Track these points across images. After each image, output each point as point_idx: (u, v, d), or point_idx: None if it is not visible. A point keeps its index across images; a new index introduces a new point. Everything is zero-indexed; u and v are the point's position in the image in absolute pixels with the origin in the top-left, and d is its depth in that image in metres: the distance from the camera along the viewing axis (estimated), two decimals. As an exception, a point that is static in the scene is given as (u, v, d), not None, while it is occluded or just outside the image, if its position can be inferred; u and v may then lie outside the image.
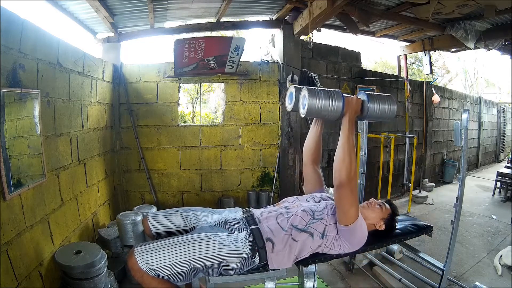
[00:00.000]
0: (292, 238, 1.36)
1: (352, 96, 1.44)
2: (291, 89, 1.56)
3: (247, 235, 1.35)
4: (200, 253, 1.24)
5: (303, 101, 1.41)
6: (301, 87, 1.51)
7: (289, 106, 1.57)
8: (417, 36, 4.65)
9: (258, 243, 1.33)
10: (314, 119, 1.68)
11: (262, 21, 3.86)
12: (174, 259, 1.21)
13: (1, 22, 1.60)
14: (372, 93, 1.48)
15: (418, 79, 7.91)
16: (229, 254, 1.28)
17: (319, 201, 1.56)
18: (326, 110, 1.37)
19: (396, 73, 5.58)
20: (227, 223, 1.46)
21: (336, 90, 1.41)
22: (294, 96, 1.53)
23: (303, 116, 1.43)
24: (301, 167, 3.90)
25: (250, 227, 1.39)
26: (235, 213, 1.54)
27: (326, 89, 1.41)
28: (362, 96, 1.45)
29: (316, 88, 1.42)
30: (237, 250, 1.30)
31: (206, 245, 1.26)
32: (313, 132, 1.67)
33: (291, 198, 1.64)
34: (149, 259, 1.20)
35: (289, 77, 3.61)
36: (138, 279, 1.22)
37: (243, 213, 1.52)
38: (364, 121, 3.14)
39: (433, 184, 5.72)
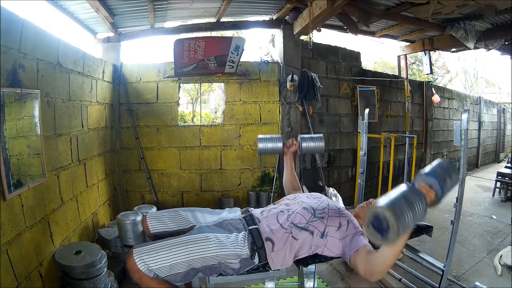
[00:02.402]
0: (292, 236, 1.36)
1: (423, 186, 1.11)
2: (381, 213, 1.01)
3: (246, 236, 1.35)
4: (199, 254, 1.24)
5: (380, 223, 1.00)
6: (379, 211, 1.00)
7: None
8: (417, 36, 4.65)
9: (257, 243, 1.33)
10: (285, 160, 1.90)
11: (262, 21, 3.86)
12: (173, 260, 1.21)
13: (1, 22, 1.60)
14: (441, 171, 1.17)
15: (418, 79, 7.91)
16: (228, 255, 1.28)
17: (321, 198, 1.56)
18: (413, 224, 1.02)
19: (396, 73, 5.57)
20: (226, 223, 1.46)
21: (418, 192, 1.06)
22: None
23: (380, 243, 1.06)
24: (301, 167, 3.91)
25: (249, 227, 1.39)
26: (234, 213, 1.54)
27: (405, 197, 1.02)
28: (435, 185, 1.13)
29: (398, 201, 1.00)
30: (236, 250, 1.29)
31: (204, 245, 1.26)
32: (287, 172, 1.89)
33: (291, 196, 1.63)
34: (148, 260, 1.20)
35: (289, 77, 3.61)
36: (137, 279, 1.22)
37: (242, 213, 1.52)
38: (365, 121, 3.15)
39: (433, 184, 5.71)
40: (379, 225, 1.00)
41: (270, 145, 1.83)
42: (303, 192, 1.83)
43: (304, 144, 1.84)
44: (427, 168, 1.19)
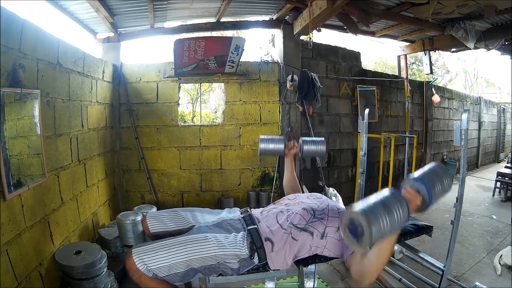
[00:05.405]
0: (292, 237, 1.36)
1: (409, 192, 1.09)
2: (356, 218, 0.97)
3: (245, 236, 1.35)
4: (197, 254, 1.24)
5: (355, 228, 0.97)
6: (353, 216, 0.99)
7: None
8: (417, 36, 4.65)
9: (256, 243, 1.32)
10: (285, 162, 1.90)
11: (262, 21, 3.86)
12: (172, 260, 1.21)
13: (1, 22, 1.60)
14: (431, 176, 1.13)
15: (418, 79, 7.91)
16: (227, 255, 1.28)
17: (321, 199, 1.56)
18: (391, 230, 0.98)
19: (396, 73, 5.57)
20: (225, 223, 1.45)
21: (400, 198, 1.02)
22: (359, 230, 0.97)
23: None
24: (301, 167, 3.91)
25: (248, 228, 1.38)
26: (233, 214, 1.54)
27: (384, 202, 0.98)
28: (422, 190, 1.10)
29: (374, 206, 0.97)
30: (235, 250, 1.29)
31: (203, 245, 1.26)
32: (287, 174, 1.90)
33: (292, 196, 1.63)
34: (147, 260, 1.20)
35: (289, 77, 3.61)
36: (136, 279, 1.22)
37: (241, 213, 1.52)
38: (365, 121, 3.16)
39: (433, 184, 5.71)
40: (355, 229, 0.98)
41: (271, 146, 1.83)
42: (303, 193, 1.83)
43: (305, 147, 1.83)
44: (418, 173, 1.16)
